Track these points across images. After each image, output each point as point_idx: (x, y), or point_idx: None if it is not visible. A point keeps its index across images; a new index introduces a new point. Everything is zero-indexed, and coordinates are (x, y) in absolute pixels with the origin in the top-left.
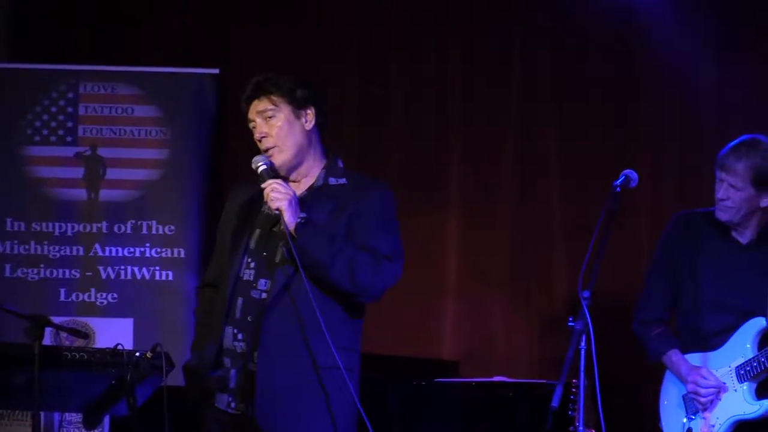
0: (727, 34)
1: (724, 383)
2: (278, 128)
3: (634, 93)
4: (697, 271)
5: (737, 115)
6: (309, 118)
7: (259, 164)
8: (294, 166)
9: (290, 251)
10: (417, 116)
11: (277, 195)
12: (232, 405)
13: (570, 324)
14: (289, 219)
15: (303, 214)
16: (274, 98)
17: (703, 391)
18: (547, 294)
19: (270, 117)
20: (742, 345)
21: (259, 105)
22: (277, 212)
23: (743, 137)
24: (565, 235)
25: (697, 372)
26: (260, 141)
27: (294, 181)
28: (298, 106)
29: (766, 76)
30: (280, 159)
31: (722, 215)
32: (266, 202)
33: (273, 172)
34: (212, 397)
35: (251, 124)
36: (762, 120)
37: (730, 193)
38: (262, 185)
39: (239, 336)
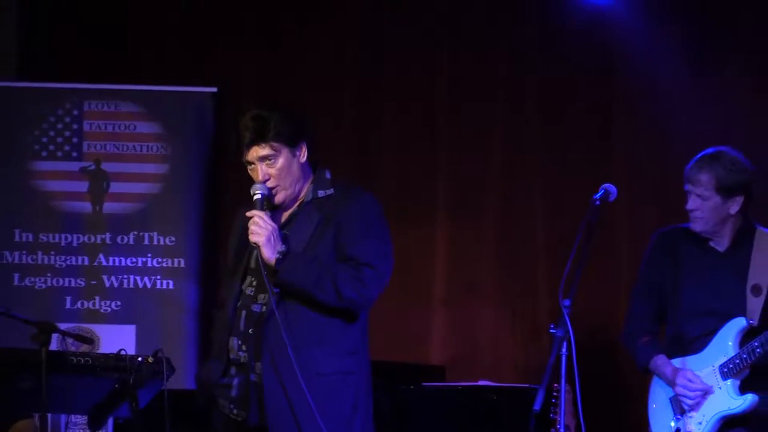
0: (702, 52)
1: (710, 386)
2: (279, 170)
3: (613, 110)
4: (678, 282)
5: (711, 130)
6: (303, 152)
7: (256, 192)
8: (295, 197)
9: (277, 284)
10: (406, 135)
11: (257, 229)
12: (234, 411)
13: (551, 331)
14: (268, 255)
15: (282, 248)
16: (275, 144)
17: (691, 393)
18: (530, 303)
19: (270, 162)
20: (724, 344)
21: (261, 151)
22: (255, 246)
23: (707, 150)
24: (547, 247)
25: (683, 374)
26: (263, 182)
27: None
28: (293, 145)
29: (739, 92)
30: (283, 196)
31: (695, 226)
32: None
33: (267, 203)
34: (218, 403)
35: (250, 166)
36: (734, 135)
37: (698, 204)
38: (248, 214)
39: (243, 347)
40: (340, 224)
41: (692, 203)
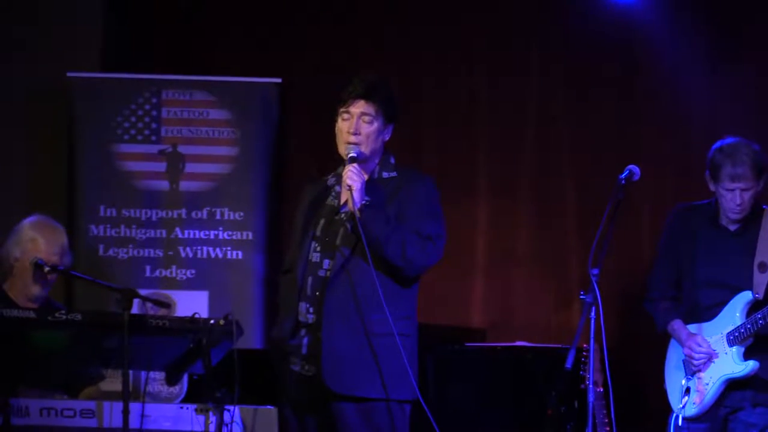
0: (719, 43)
1: (715, 351)
2: (368, 133)
3: (639, 97)
4: (694, 255)
5: (726, 118)
6: (389, 132)
7: (351, 151)
8: (364, 163)
9: (354, 228)
10: (448, 118)
11: (353, 176)
12: (306, 368)
13: (581, 297)
14: (356, 198)
15: (368, 198)
16: (378, 108)
17: (696, 355)
18: (562, 271)
19: (367, 121)
20: (732, 315)
21: (364, 107)
22: (348, 189)
23: (722, 145)
24: (578, 221)
25: (694, 339)
26: (350, 134)
27: None
28: (388, 121)
29: (752, 82)
30: (361, 155)
31: (738, 216)
32: (332, 194)
33: (356, 161)
34: (289, 361)
35: (345, 115)
36: (747, 122)
37: (745, 197)
38: (347, 166)
39: (310, 309)
40: (404, 201)
41: (738, 198)
